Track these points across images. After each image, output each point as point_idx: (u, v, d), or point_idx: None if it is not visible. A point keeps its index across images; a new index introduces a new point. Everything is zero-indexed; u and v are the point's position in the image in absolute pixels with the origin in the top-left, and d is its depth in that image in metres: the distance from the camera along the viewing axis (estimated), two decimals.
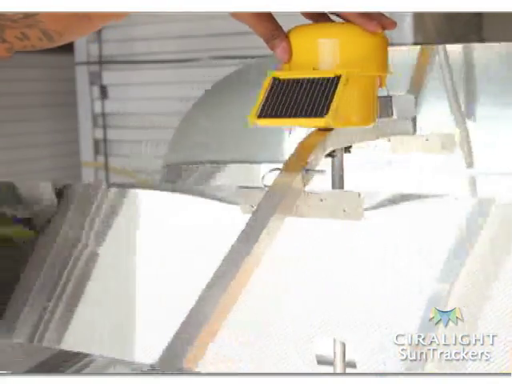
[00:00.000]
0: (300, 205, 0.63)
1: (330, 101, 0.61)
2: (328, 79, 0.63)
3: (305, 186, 0.62)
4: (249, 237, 0.59)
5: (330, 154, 0.68)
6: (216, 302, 0.56)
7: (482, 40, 2.30)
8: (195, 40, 2.06)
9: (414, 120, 0.78)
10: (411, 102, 0.68)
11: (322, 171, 0.63)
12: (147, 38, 2.14)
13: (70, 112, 2.33)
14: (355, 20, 0.63)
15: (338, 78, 0.63)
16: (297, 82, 0.64)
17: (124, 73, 2.21)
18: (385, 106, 0.68)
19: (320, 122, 0.61)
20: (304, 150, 0.64)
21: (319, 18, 0.66)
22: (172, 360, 0.53)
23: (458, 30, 2.17)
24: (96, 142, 2.28)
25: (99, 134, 2.26)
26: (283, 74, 0.66)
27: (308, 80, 0.64)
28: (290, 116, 0.62)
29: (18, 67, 2.19)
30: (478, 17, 2.32)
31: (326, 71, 0.64)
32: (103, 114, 2.25)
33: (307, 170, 0.62)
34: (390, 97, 0.68)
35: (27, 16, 0.60)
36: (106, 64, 2.22)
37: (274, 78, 0.66)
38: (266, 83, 0.66)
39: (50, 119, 2.41)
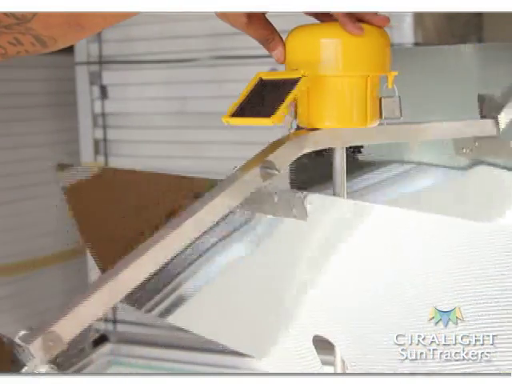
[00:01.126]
0: (259, 202, 0.64)
1: (283, 101, 0.62)
2: (293, 80, 0.63)
3: (263, 181, 0.63)
4: (173, 224, 0.60)
5: (321, 154, 0.68)
6: (101, 284, 0.56)
7: (481, 40, 2.30)
8: (195, 40, 2.06)
9: (497, 122, 0.76)
10: (396, 104, 0.67)
11: (275, 170, 0.63)
12: (147, 38, 2.13)
13: (70, 112, 2.33)
14: (339, 20, 0.63)
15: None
16: (274, 82, 0.65)
17: (124, 73, 2.21)
18: (390, 106, 0.67)
19: (267, 122, 0.62)
20: (270, 148, 0.64)
21: (323, 16, 0.66)
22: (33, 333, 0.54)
23: (458, 30, 2.17)
24: (96, 142, 2.28)
25: (99, 134, 2.26)
26: (267, 75, 0.66)
27: (280, 81, 0.64)
28: (252, 116, 0.63)
29: (18, 67, 2.19)
30: (478, 17, 2.32)
31: (296, 72, 0.64)
32: (103, 114, 2.25)
33: (262, 168, 0.63)
34: (398, 97, 0.67)
35: (19, 23, 0.61)
36: (105, 64, 2.22)
37: (260, 78, 0.66)
38: (252, 83, 0.66)
39: (50, 119, 2.41)
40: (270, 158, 0.63)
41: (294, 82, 0.63)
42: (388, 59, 0.67)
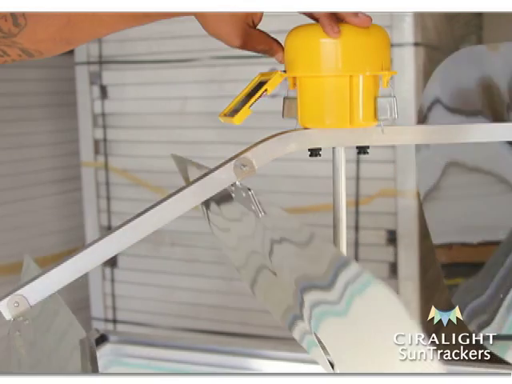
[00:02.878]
0: (237, 195, 0.65)
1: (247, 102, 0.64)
2: (267, 81, 0.65)
3: (237, 178, 0.64)
4: (142, 211, 0.63)
5: (316, 153, 0.67)
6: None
7: (481, 40, 2.30)
8: (195, 40, 2.06)
9: None
10: (390, 104, 0.66)
11: (250, 167, 0.64)
12: (147, 38, 2.13)
13: (70, 112, 2.33)
14: (319, 20, 0.63)
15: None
16: (264, 82, 0.66)
17: (124, 73, 2.21)
18: (385, 106, 0.66)
19: (231, 121, 0.64)
20: (251, 146, 0.65)
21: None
22: None
23: (458, 30, 2.17)
24: (96, 142, 2.28)
25: (99, 134, 2.26)
26: (264, 76, 0.67)
27: (264, 81, 0.65)
28: (229, 115, 0.65)
29: (18, 67, 2.19)
30: (478, 17, 2.33)
31: (273, 72, 0.65)
32: (103, 114, 2.25)
33: (237, 165, 0.64)
34: (394, 97, 0.65)
35: (6, 37, 0.63)
36: (105, 64, 2.22)
37: (259, 79, 0.67)
38: (253, 82, 0.67)
39: (50, 119, 2.41)
40: (246, 155, 0.64)
41: (267, 83, 0.65)
42: (382, 58, 0.65)
